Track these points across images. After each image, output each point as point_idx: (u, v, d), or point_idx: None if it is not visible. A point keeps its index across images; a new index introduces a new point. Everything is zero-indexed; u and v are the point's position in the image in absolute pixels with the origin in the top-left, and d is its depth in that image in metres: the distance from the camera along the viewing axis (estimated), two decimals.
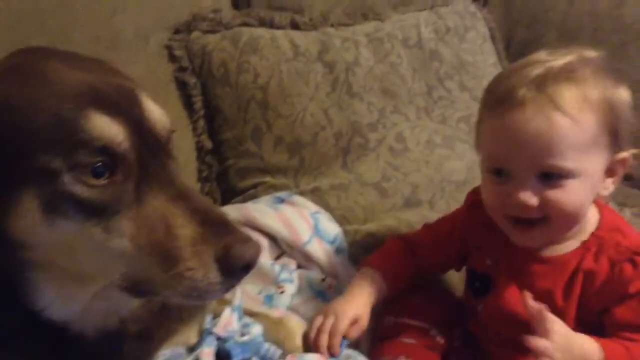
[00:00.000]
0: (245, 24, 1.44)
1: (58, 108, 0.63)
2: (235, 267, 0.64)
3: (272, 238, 1.18)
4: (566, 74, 0.89)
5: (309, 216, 1.21)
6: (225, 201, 1.40)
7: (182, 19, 1.39)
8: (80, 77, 0.67)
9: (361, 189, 1.41)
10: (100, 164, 0.63)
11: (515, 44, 2.03)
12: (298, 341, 0.99)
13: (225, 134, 1.40)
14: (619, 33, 1.82)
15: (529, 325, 0.94)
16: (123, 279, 0.66)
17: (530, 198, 0.89)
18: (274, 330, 0.99)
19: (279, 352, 0.95)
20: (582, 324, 0.94)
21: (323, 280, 1.12)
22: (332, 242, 1.19)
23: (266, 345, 0.96)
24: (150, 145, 0.68)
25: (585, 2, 1.91)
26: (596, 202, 0.98)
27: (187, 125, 1.39)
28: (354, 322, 0.99)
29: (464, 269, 1.10)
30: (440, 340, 1.04)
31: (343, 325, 0.97)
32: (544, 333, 0.86)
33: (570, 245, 0.96)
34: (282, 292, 1.09)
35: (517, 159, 0.90)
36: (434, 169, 1.49)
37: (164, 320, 0.85)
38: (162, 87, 1.34)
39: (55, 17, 1.12)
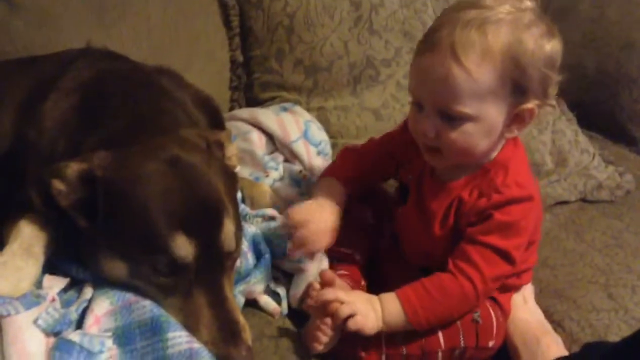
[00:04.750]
0: None
1: (155, 225, 0.86)
2: None
3: (269, 136, 1.44)
4: (480, 23, 0.94)
5: (302, 122, 1.47)
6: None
7: None
8: (183, 193, 0.88)
9: (360, 112, 1.64)
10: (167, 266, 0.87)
11: (552, 10, 2.09)
12: (267, 200, 1.26)
13: (255, 51, 1.66)
14: None
15: (421, 237, 1.10)
16: None
17: (428, 131, 1.01)
18: (249, 189, 1.26)
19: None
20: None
21: (300, 172, 1.38)
22: (316, 145, 1.44)
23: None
24: (212, 260, 0.90)
25: None
26: (512, 139, 1.06)
27: (224, 40, 1.66)
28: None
29: None
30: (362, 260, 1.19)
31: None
32: (347, 307, 0.98)
33: (462, 174, 1.06)
34: (267, 176, 1.36)
35: (424, 96, 1.01)
36: None
37: None
38: (205, 6, 1.61)
39: None
